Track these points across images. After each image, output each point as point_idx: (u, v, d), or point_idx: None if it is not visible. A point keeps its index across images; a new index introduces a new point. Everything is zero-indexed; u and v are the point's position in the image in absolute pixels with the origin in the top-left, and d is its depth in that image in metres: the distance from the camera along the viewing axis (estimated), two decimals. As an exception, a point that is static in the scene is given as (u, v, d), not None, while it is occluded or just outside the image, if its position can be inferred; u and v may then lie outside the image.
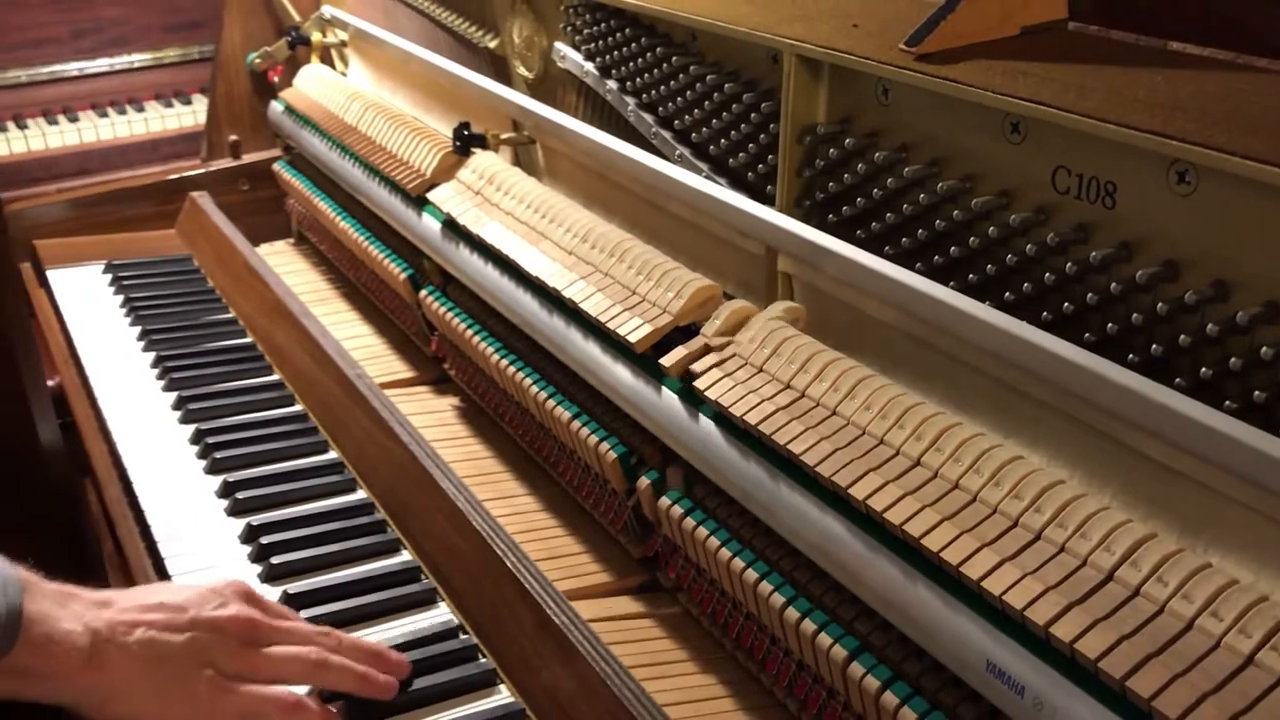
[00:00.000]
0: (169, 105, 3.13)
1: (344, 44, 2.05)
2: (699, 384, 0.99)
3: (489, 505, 1.15)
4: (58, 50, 3.02)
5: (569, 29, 1.37)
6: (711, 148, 1.16)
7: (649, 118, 1.24)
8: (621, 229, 1.22)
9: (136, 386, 1.52)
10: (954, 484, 0.80)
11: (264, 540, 1.18)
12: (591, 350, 1.15)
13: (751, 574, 0.95)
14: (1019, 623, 0.72)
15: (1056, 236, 0.82)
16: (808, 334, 0.98)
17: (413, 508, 1.21)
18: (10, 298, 1.43)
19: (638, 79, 1.26)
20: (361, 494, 1.28)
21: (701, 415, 1.01)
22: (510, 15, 1.50)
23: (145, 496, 1.28)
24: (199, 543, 1.20)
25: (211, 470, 1.32)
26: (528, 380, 1.25)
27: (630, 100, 1.27)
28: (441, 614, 1.10)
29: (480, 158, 1.45)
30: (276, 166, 2.01)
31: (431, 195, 1.46)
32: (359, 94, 1.80)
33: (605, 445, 1.12)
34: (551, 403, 1.20)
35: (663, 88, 1.21)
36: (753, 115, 1.09)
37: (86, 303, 1.77)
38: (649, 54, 1.23)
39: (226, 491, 1.27)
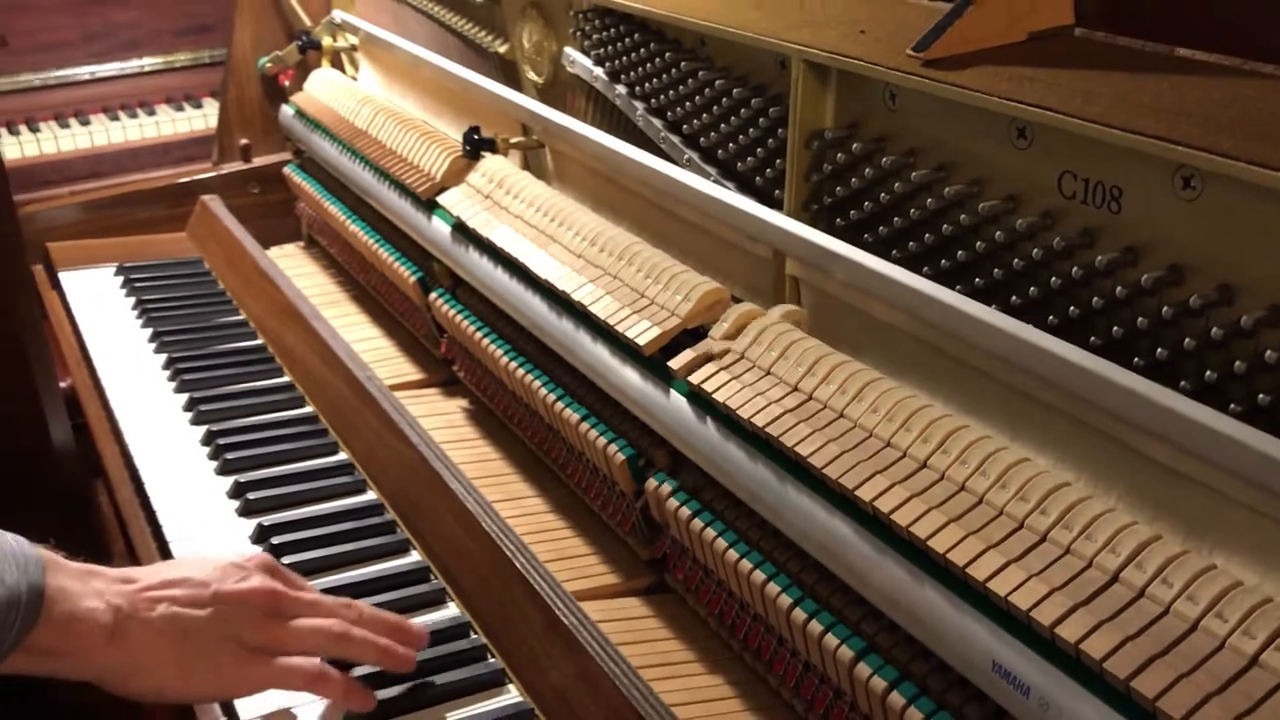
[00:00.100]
0: (180, 109, 3.15)
1: (354, 48, 2.07)
2: (707, 386, 1.00)
3: (498, 506, 1.16)
4: (70, 54, 3.04)
5: (578, 34, 1.38)
6: (720, 152, 1.17)
7: (658, 122, 1.25)
8: (630, 232, 1.23)
9: (148, 388, 1.53)
10: (960, 486, 0.81)
11: (275, 540, 1.19)
12: (600, 353, 1.16)
13: (759, 575, 0.95)
14: (1025, 624, 0.73)
15: (1063, 241, 0.83)
16: (813, 337, 0.99)
17: (422, 509, 1.22)
18: (23, 300, 1.44)
19: (647, 84, 1.26)
20: (371, 495, 1.29)
21: (709, 417, 1.01)
22: (520, 20, 1.51)
23: (157, 497, 1.29)
24: (210, 543, 1.21)
25: (222, 471, 1.33)
26: (537, 382, 1.26)
27: (639, 105, 1.28)
28: (450, 614, 1.10)
29: (490, 162, 1.46)
30: (287, 170, 2.02)
31: (441, 199, 1.47)
32: (369, 98, 1.81)
33: (614, 447, 1.13)
34: (560, 405, 1.21)
35: (671, 92, 1.22)
36: (761, 120, 1.10)
37: (98, 305, 1.79)
38: (658, 59, 1.24)
39: (237, 492, 1.28)
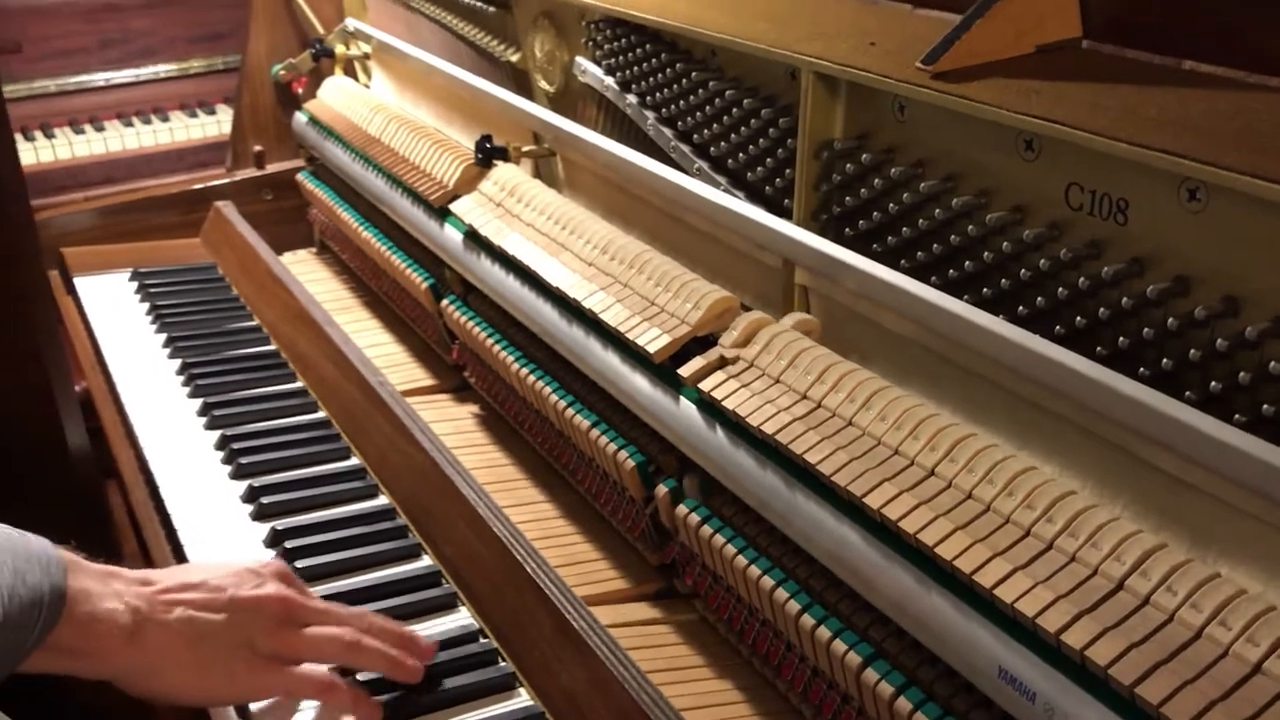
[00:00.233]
0: (194, 115, 3.17)
1: (367, 56, 2.08)
2: (716, 394, 1.01)
3: (508, 512, 1.17)
4: (85, 61, 3.06)
5: (590, 44, 1.40)
6: (730, 162, 1.18)
7: (668, 132, 1.26)
8: (641, 241, 1.24)
9: (162, 393, 1.55)
10: (967, 494, 0.82)
11: (288, 545, 1.20)
12: (610, 360, 1.17)
13: (768, 581, 0.96)
14: (1030, 630, 0.73)
15: (1070, 252, 0.83)
16: (823, 345, 1.00)
17: (434, 514, 1.23)
18: (40, 305, 1.46)
19: (658, 94, 1.28)
20: (383, 500, 1.31)
21: (719, 425, 1.02)
22: (532, 30, 1.53)
23: (171, 500, 1.31)
24: (224, 546, 1.22)
25: (236, 475, 1.35)
26: (547, 389, 1.27)
27: (650, 114, 1.29)
28: (462, 618, 1.11)
29: (501, 170, 1.47)
30: (300, 177, 2.04)
31: (454, 206, 1.48)
32: (382, 106, 1.82)
33: (624, 454, 1.14)
34: (571, 411, 1.22)
35: (682, 102, 1.23)
36: (771, 130, 1.11)
37: (113, 310, 1.80)
38: (669, 69, 1.25)
39: (251, 496, 1.30)
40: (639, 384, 1.13)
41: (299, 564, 1.17)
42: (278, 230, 2.01)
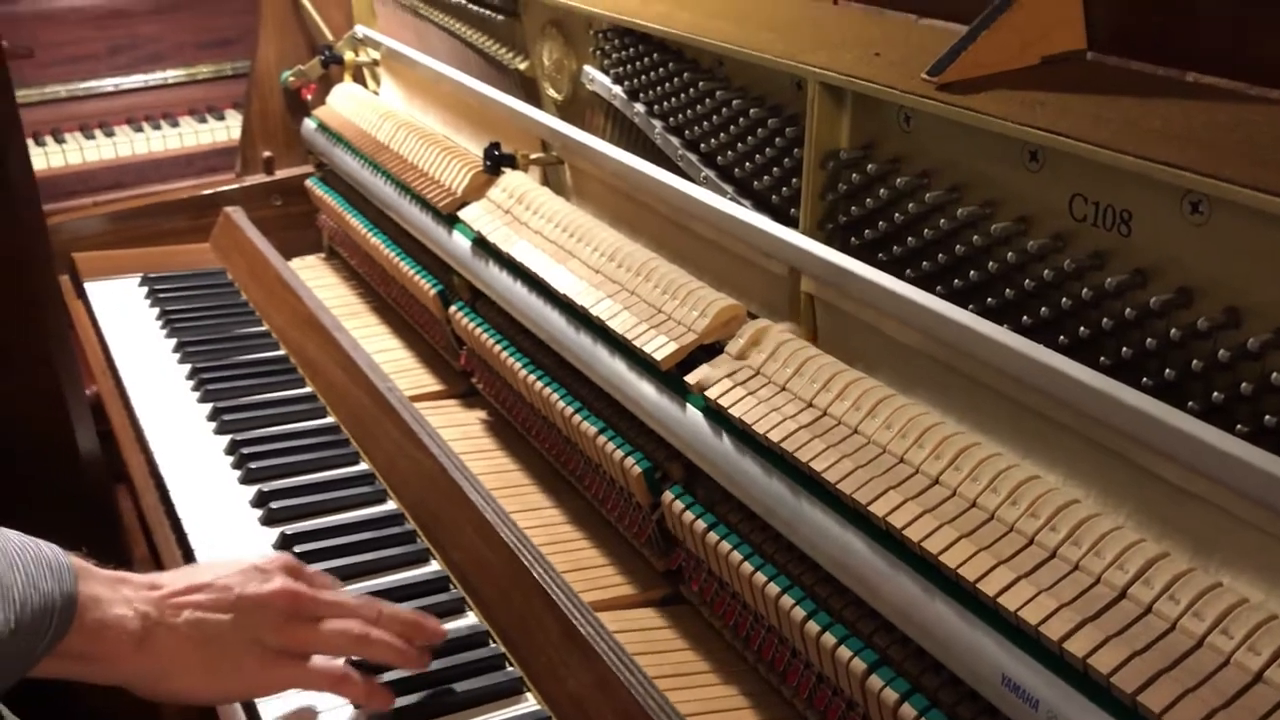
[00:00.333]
0: (202, 120, 3.19)
1: (376, 63, 2.09)
2: (723, 401, 1.01)
3: (515, 517, 1.18)
4: (95, 66, 3.08)
5: (598, 53, 1.41)
6: (737, 170, 1.18)
7: (675, 140, 1.27)
8: (648, 249, 1.25)
9: (172, 397, 1.56)
10: (971, 502, 0.83)
11: (297, 549, 1.21)
12: (617, 367, 1.18)
13: (773, 588, 0.97)
14: (1033, 638, 0.74)
15: (1073, 263, 0.84)
16: (829, 353, 1.00)
17: (442, 519, 1.24)
18: (52, 310, 1.47)
19: (665, 103, 1.28)
20: (392, 505, 1.32)
21: (725, 432, 1.03)
22: (540, 38, 1.54)
23: (181, 505, 1.32)
24: (234, 550, 1.23)
25: (246, 480, 1.36)
26: (554, 395, 1.28)
27: (657, 123, 1.30)
28: (470, 622, 1.12)
29: (510, 177, 1.48)
30: (309, 183, 2.05)
31: (462, 213, 1.49)
32: (391, 113, 1.84)
33: (630, 460, 1.15)
34: (578, 418, 1.23)
35: (689, 111, 1.24)
36: (777, 140, 1.11)
37: (123, 314, 1.82)
38: (676, 79, 1.26)
39: (261, 501, 1.31)
40: (646, 391, 1.14)
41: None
42: (286, 236, 2.02)
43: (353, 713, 0.99)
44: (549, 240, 1.34)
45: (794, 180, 1.10)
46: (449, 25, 1.79)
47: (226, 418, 1.48)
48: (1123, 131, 0.80)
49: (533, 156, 1.50)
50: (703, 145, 1.23)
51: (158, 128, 3.14)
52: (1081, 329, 0.84)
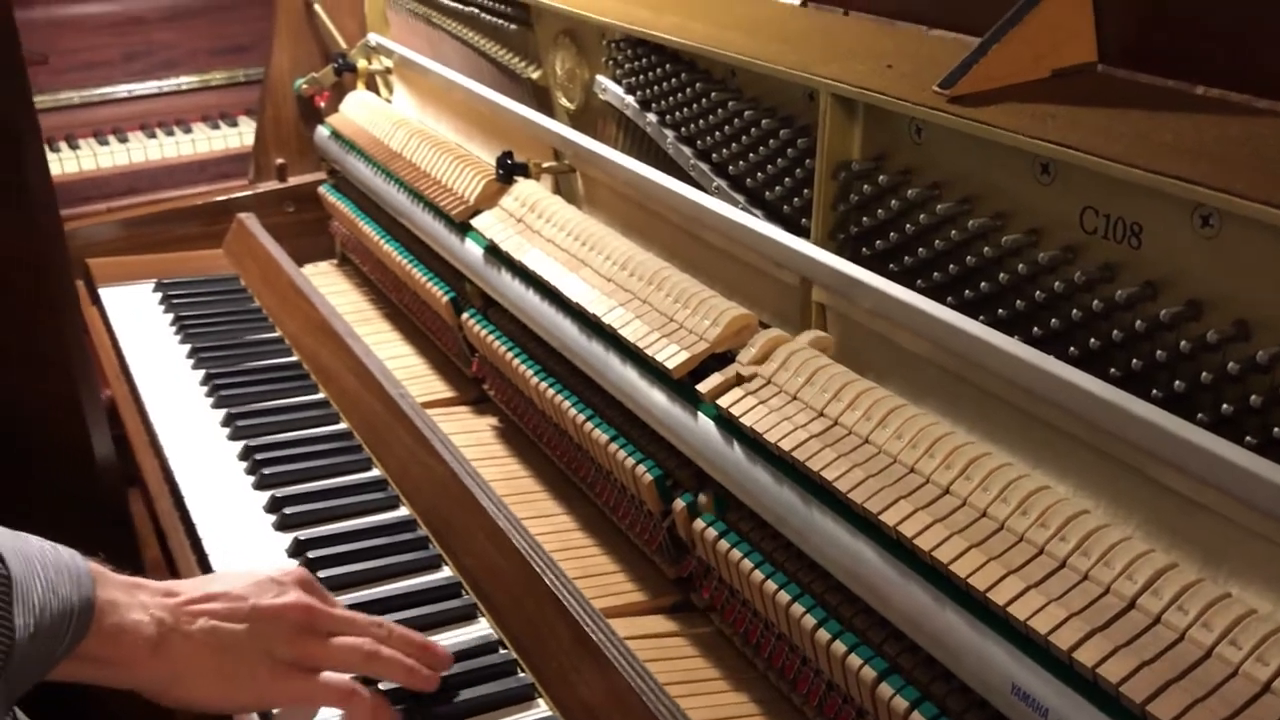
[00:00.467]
0: (215, 127, 3.21)
1: (389, 71, 2.11)
2: (734, 410, 1.02)
3: (527, 524, 1.19)
4: (109, 73, 3.10)
5: (610, 63, 1.42)
6: (748, 180, 1.19)
7: (688, 150, 1.28)
8: (660, 258, 1.26)
9: (186, 403, 1.57)
10: (982, 512, 0.83)
11: (311, 554, 1.22)
12: (629, 375, 1.19)
13: (784, 596, 0.97)
14: (1043, 647, 0.75)
15: (1084, 275, 0.85)
16: (840, 363, 1.01)
17: (454, 525, 1.25)
18: (68, 315, 1.49)
19: (677, 113, 1.29)
20: (404, 511, 1.32)
21: (736, 441, 1.04)
22: (553, 48, 1.55)
23: (196, 509, 1.33)
24: (248, 555, 1.24)
25: (259, 486, 1.37)
26: (566, 403, 1.28)
27: (669, 133, 1.31)
28: (482, 629, 1.13)
29: (522, 186, 1.49)
30: (321, 190, 2.07)
31: (475, 221, 1.50)
32: (404, 121, 1.85)
33: (642, 468, 1.16)
34: (589, 425, 1.24)
35: (701, 122, 1.25)
36: (789, 150, 1.12)
37: (137, 320, 1.83)
38: (688, 89, 1.27)
39: (274, 506, 1.32)
40: (657, 399, 1.14)
41: (321, 574, 1.19)
42: (299, 242, 2.03)
43: None
44: (561, 249, 1.35)
45: (805, 191, 1.11)
46: (462, 34, 1.80)
47: (240, 423, 1.49)
48: (1133, 145, 0.81)
49: (545, 165, 1.51)
50: (715, 155, 1.24)
51: (171, 134, 3.16)
52: (1092, 340, 0.84)
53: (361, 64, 2.12)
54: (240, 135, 3.17)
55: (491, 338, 1.45)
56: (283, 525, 1.29)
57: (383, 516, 1.31)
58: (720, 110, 1.22)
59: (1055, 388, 0.82)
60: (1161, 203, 0.80)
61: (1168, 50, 0.93)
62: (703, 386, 1.07)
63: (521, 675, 1.06)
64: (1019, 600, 0.76)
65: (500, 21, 1.66)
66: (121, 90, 3.14)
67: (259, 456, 1.41)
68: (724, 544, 1.04)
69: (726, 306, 1.13)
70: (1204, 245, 0.78)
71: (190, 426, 1.51)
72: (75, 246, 1.97)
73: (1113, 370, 0.83)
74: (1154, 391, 0.80)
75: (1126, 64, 0.96)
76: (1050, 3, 0.94)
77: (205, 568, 1.24)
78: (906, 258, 1.00)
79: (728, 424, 1.05)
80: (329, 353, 1.61)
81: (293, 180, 2.19)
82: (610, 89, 1.42)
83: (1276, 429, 0.73)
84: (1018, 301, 0.90)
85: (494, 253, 1.46)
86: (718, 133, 1.23)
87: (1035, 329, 0.88)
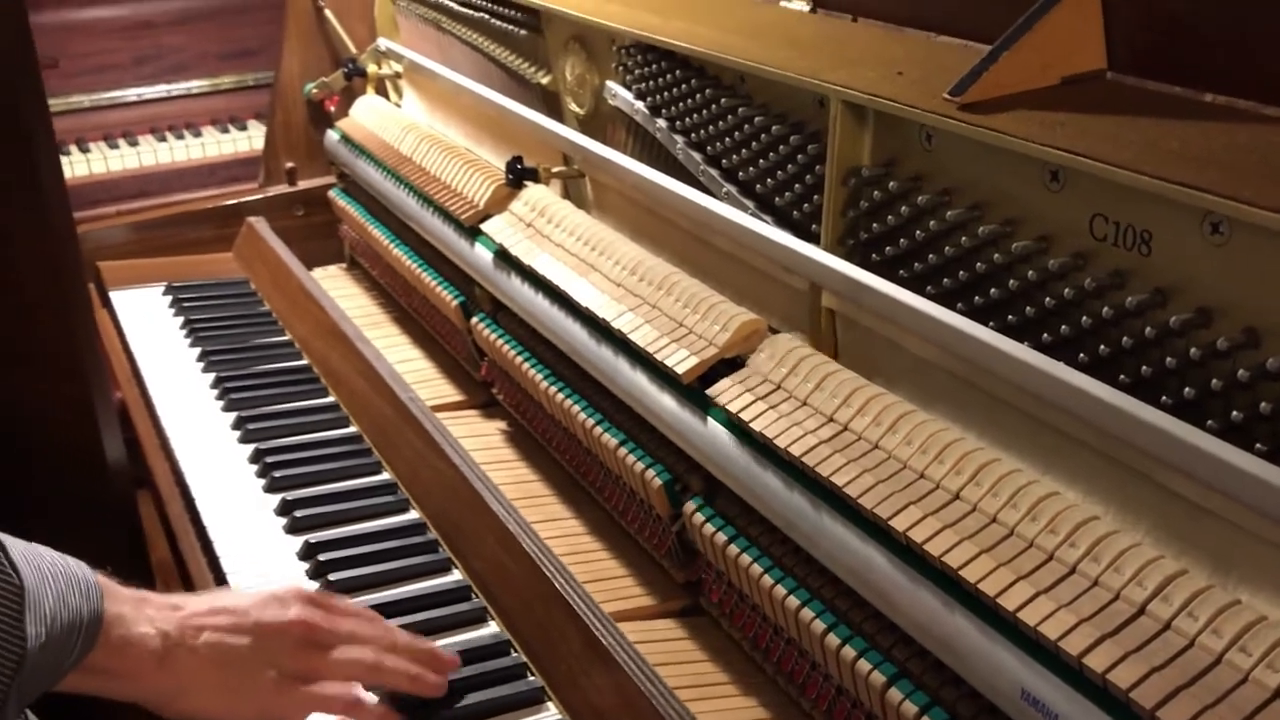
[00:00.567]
0: (225, 131, 3.22)
1: (399, 76, 2.12)
2: (744, 415, 1.02)
3: (536, 527, 1.19)
4: (119, 76, 3.12)
5: (620, 69, 1.42)
6: (758, 186, 1.20)
7: (697, 156, 1.28)
8: (669, 263, 1.26)
9: (197, 406, 1.58)
10: (991, 517, 0.83)
11: (321, 557, 1.23)
12: (638, 380, 1.19)
13: (793, 600, 0.98)
14: (1053, 653, 0.75)
15: (1094, 282, 0.85)
16: (849, 368, 1.01)
17: (464, 529, 1.25)
18: (81, 318, 1.50)
19: (687, 118, 1.30)
20: (414, 514, 1.33)
21: (746, 446, 1.04)
22: (563, 53, 1.55)
23: (207, 512, 1.34)
24: (258, 557, 1.25)
25: (270, 489, 1.37)
26: (575, 407, 1.29)
27: (679, 138, 1.31)
28: (491, 632, 1.14)
29: (532, 190, 1.50)
30: (331, 194, 2.08)
31: (484, 226, 1.51)
32: (413, 125, 1.86)
33: (651, 472, 1.16)
34: (599, 429, 1.24)
35: (711, 127, 1.25)
36: (799, 156, 1.13)
37: (148, 323, 1.84)
38: (698, 95, 1.27)
39: (285, 509, 1.32)
40: (666, 404, 1.15)
41: (332, 577, 1.20)
42: (308, 246, 2.04)
43: None
44: (571, 253, 1.35)
45: (815, 197, 1.11)
46: (471, 39, 1.81)
47: (250, 426, 1.50)
48: (1143, 152, 0.81)
49: (555, 170, 1.52)
50: (724, 161, 1.25)
51: (180, 137, 3.17)
52: (1101, 347, 0.84)
53: (371, 69, 2.13)
54: (249, 139, 3.18)
55: (501, 342, 1.46)
56: (293, 528, 1.29)
57: (393, 520, 1.32)
58: (730, 116, 1.22)
59: (1065, 394, 0.82)
60: (1171, 210, 0.80)
61: (1177, 58, 0.94)
62: (712, 391, 1.08)
63: (531, 678, 1.07)
64: (1029, 606, 0.77)
65: (510, 27, 1.67)
66: (131, 94, 3.15)
67: (269, 459, 1.41)
68: (733, 548, 1.05)
69: (736, 312, 1.13)
70: (1214, 252, 0.78)
71: (201, 429, 1.52)
72: (86, 249, 1.97)
73: (1122, 377, 0.83)
74: (1164, 398, 0.80)
75: (1136, 72, 0.97)
76: (1060, 10, 0.95)
77: (216, 570, 1.24)
78: (916, 264, 1.00)
79: (737, 429, 1.05)
80: (339, 356, 1.62)
81: (302, 184, 2.20)
82: (620, 94, 1.43)
83: (1286, 436, 0.73)
84: (1027, 308, 0.90)
85: (503, 257, 1.46)
86: (727, 138, 1.23)
87: (1045, 335, 0.89)
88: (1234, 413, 0.76)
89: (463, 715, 1.02)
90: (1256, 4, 0.87)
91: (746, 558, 1.03)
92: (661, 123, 1.35)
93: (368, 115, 2.01)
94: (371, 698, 1.00)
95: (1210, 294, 0.79)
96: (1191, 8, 0.91)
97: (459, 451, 1.32)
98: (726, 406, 1.05)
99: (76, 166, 3.00)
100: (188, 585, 1.29)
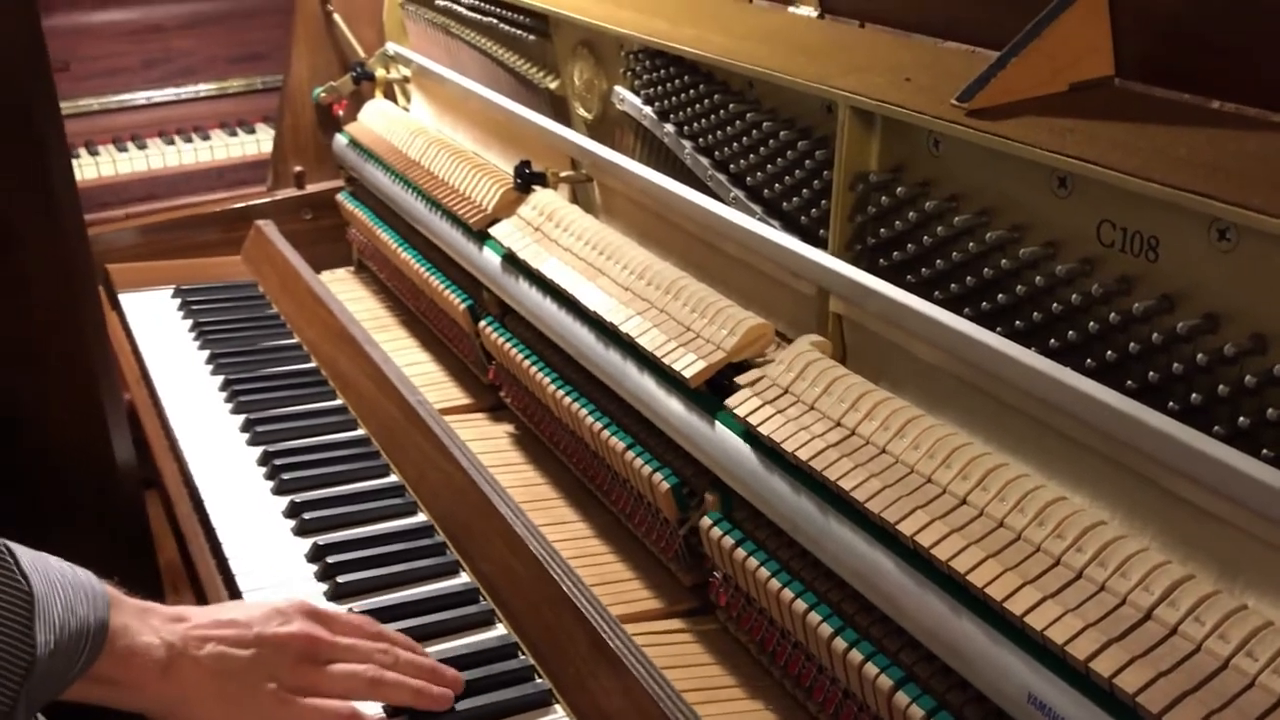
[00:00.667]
0: (233, 134, 3.23)
1: (407, 80, 2.12)
2: (752, 419, 1.03)
3: (543, 530, 1.20)
4: (129, 80, 3.13)
5: (628, 74, 1.43)
6: (766, 191, 1.20)
7: (705, 161, 1.29)
8: (677, 267, 1.27)
9: (206, 408, 1.59)
10: (999, 522, 0.84)
11: (330, 559, 1.23)
12: (646, 383, 1.20)
13: (800, 604, 0.98)
14: (1060, 657, 0.75)
15: (1101, 287, 0.85)
16: (856, 373, 1.02)
17: (471, 531, 1.26)
18: (91, 320, 1.50)
19: (695, 123, 1.30)
20: (422, 517, 1.33)
21: (753, 449, 1.05)
22: (571, 59, 1.56)
23: (215, 514, 1.34)
24: (267, 560, 1.26)
25: (279, 491, 1.38)
26: (583, 410, 1.29)
27: (687, 143, 1.32)
28: (499, 634, 1.14)
29: (540, 195, 1.51)
30: (339, 197, 2.08)
31: (493, 230, 1.52)
32: (422, 129, 1.86)
33: (659, 476, 1.16)
34: (606, 433, 1.25)
35: (719, 133, 1.26)
36: (807, 161, 1.13)
37: (157, 326, 1.85)
38: (707, 100, 1.28)
39: (293, 512, 1.33)
40: (674, 408, 1.15)
41: (340, 579, 1.20)
42: (317, 249, 2.05)
43: None
44: (579, 258, 1.36)
45: (823, 202, 1.11)
46: (480, 44, 1.81)
47: (259, 429, 1.50)
48: (1150, 159, 0.82)
49: (563, 175, 1.52)
50: (732, 166, 1.25)
51: (189, 140, 3.18)
52: (1109, 353, 0.85)
53: (380, 73, 2.14)
54: (257, 142, 3.20)
55: (509, 345, 1.46)
56: (302, 530, 1.30)
57: (400, 522, 1.32)
58: (738, 121, 1.23)
59: (1072, 399, 0.83)
60: (1178, 216, 0.80)
61: (1184, 65, 0.94)
62: (720, 395, 1.08)
63: (539, 681, 1.07)
64: (1036, 610, 0.77)
65: (518, 32, 1.67)
66: (140, 97, 3.17)
67: (278, 462, 1.42)
68: (741, 552, 1.05)
69: (743, 316, 1.13)
70: (1221, 259, 0.79)
71: (209, 431, 1.52)
72: (96, 252, 1.97)
73: (1129, 382, 0.83)
74: (1171, 404, 0.80)
75: (1143, 78, 0.97)
76: (1068, 17, 0.95)
77: (225, 571, 1.25)
78: (924, 269, 1.01)
79: (745, 433, 1.06)
80: (347, 359, 1.63)
81: (311, 188, 2.21)
82: (628, 99, 1.43)
83: (1293, 442, 0.73)
84: (1035, 313, 0.90)
85: (511, 261, 1.47)
86: (735, 143, 1.24)
87: (1052, 341, 0.89)
88: (1241, 418, 0.76)
89: (470, 718, 1.02)
90: (1265, 12, 0.87)
91: (754, 561, 1.04)
92: (670, 128, 1.35)
93: (376, 119, 2.02)
94: (371, 713, 1.00)
95: (1217, 300, 0.79)
96: (1200, 15, 0.91)
97: (467, 454, 1.32)
98: (734, 410, 1.05)
99: (85, 169, 3.02)
100: (196, 586, 1.29)
